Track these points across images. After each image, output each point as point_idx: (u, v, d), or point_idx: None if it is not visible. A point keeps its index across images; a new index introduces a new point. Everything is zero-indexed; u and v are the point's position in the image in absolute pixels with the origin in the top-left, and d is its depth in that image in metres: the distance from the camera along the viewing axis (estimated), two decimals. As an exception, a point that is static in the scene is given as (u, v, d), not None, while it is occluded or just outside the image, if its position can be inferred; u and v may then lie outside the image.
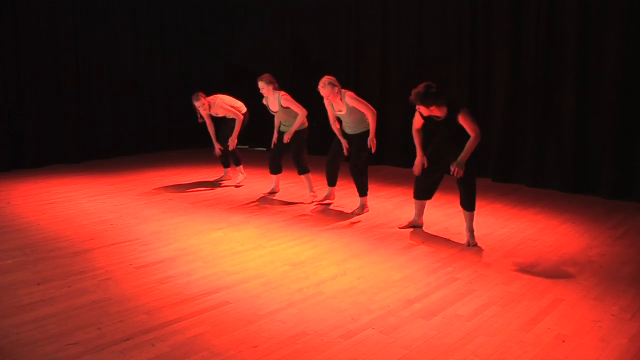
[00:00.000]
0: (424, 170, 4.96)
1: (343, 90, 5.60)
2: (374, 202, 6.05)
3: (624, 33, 6.21)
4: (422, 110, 4.66)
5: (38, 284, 3.92)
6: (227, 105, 6.85)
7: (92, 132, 8.97)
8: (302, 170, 6.22)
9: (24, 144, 8.19)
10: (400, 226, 5.29)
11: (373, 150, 5.54)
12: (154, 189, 6.92)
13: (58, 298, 3.70)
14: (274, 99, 6.14)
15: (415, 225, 5.28)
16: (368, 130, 5.58)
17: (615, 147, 6.37)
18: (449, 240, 4.96)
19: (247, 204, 6.22)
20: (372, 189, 6.18)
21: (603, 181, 6.49)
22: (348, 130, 5.70)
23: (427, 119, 4.78)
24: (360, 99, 5.56)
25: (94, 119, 9.00)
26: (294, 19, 9.56)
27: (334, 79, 5.56)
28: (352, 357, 2.98)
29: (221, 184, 7.18)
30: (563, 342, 3.15)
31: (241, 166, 7.14)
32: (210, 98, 6.96)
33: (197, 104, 6.89)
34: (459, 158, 4.54)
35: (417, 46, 8.08)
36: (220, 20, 10.45)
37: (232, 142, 6.75)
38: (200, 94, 6.91)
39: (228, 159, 7.23)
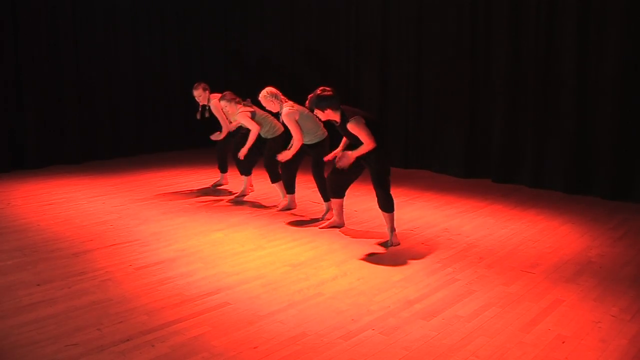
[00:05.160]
0: (337, 169, 5.04)
1: (285, 102, 5.60)
2: (373, 204, 6.03)
3: (624, 33, 6.22)
4: (318, 114, 4.84)
5: (38, 285, 3.93)
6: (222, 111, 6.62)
7: (92, 133, 8.96)
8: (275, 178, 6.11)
9: (24, 144, 8.18)
10: (321, 226, 5.33)
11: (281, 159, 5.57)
12: (154, 189, 6.92)
13: (58, 299, 3.70)
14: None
15: (337, 226, 5.32)
16: (321, 142, 5.54)
17: (615, 147, 6.37)
18: (448, 241, 4.96)
19: (247, 205, 6.22)
20: (372, 190, 6.16)
21: (603, 182, 6.49)
22: (305, 139, 5.59)
23: (337, 127, 4.92)
24: (292, 121, 5.48)
25: (94, 120, 8.99)
26: (294, 18, 9.55)
27: (275, 91, 5.63)
28: (352, 358, 2.99)
29: (218, 188, 6.96)
30: (563, 343, 3.15)
31: (250, 177, 6.74)
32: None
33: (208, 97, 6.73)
34: (350, 152, 4.70)
35: (416, 46, 8.08)
36: (220, 21, 10.45)
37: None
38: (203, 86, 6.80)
39: (226, 164, 6.99)
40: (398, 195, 6.56)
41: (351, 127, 4.67)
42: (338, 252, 4.67)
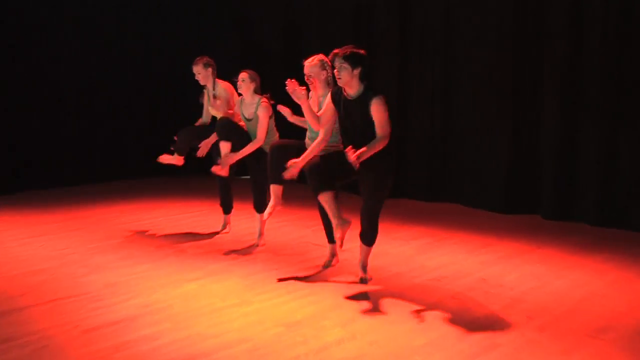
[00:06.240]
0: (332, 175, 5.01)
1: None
2: (389, 246, 6.05)
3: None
4: (343, 74, 4.73)
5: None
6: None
7: (26, 154, 9.06)
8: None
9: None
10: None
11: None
12: (110, 228, 6.95)
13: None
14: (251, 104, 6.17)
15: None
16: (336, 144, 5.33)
17: None
18: (486, 294, 4.95)
19: (229, 247, 6.22)
20: (387, 229, 6.17)
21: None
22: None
23: (339, 100, 4.92)
24: None
25: (28, 142, 9.12)
26: (295, 18, 10.09)
27: (328, 60, 5.31)
28: None
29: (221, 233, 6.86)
30: None
31: (229, 215, 6.88)
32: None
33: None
34: (360, 150, 4.57)
35: (443, 43, 8.21)
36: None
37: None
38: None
39: (231, 202, 6.84)
40: (421, 235, 6.58)
41: (377, 105, 4.68)
42: (344, 307, 4.66)
